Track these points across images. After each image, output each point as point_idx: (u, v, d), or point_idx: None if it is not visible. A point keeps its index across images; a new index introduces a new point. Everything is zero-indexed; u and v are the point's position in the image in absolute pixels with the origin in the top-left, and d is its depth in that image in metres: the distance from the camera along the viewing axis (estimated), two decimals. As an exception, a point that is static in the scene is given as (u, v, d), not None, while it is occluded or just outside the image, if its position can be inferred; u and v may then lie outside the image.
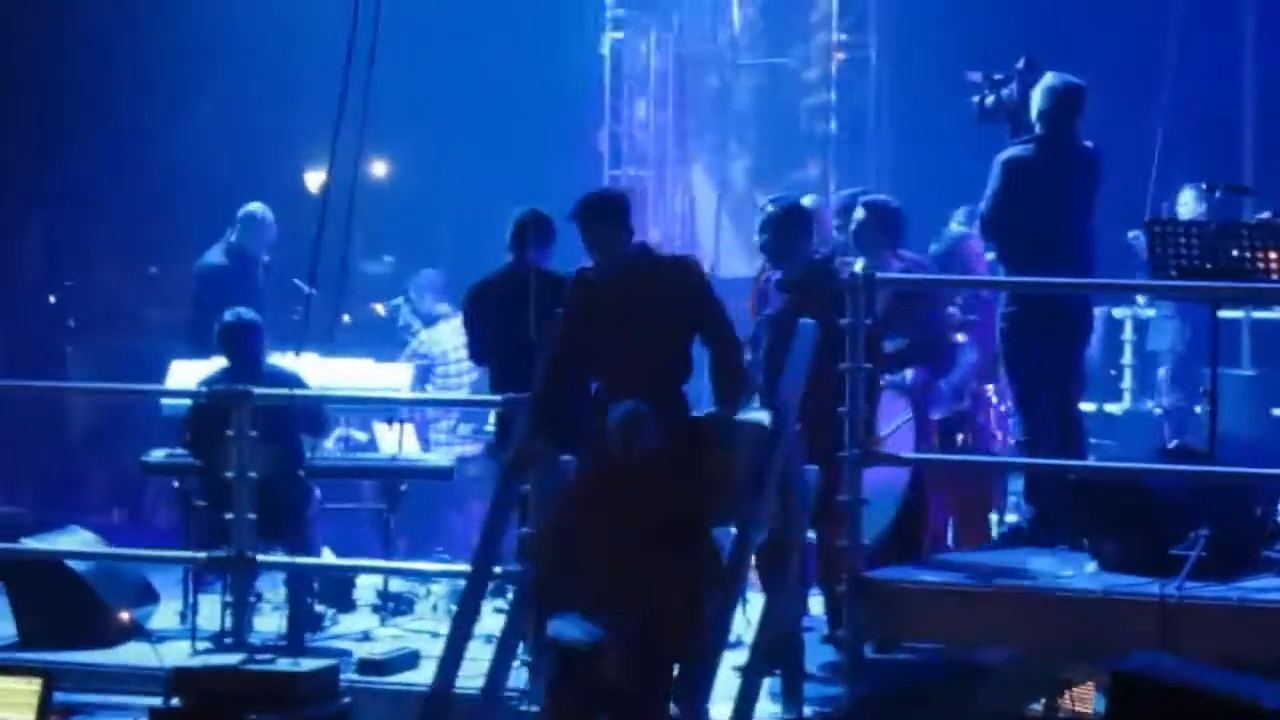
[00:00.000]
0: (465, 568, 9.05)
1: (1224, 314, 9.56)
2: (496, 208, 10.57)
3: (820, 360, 8.47)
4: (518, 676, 8.53)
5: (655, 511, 7.90)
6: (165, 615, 10.37)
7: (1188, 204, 12.27)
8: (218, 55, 14.41)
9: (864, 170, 14.75)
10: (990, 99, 9.91)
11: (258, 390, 9.57)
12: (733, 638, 8.48)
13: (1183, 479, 8.59)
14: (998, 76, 9.91)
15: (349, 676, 8.97)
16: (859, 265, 8.60)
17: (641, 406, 8.03)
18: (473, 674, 8.47)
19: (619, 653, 7.66)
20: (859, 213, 9.84)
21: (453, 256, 14.00)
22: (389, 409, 11.09)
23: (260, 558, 9.56)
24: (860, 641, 8.44)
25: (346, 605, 10.67)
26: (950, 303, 10.33)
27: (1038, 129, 9.53)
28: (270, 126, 14.76)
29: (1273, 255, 8.68)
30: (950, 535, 10.27)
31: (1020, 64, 9.84)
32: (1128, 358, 13.51)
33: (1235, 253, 8.72)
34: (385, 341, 13.13)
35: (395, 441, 10.98)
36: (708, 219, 15.65)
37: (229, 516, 9.46)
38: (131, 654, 9.71)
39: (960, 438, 10.36)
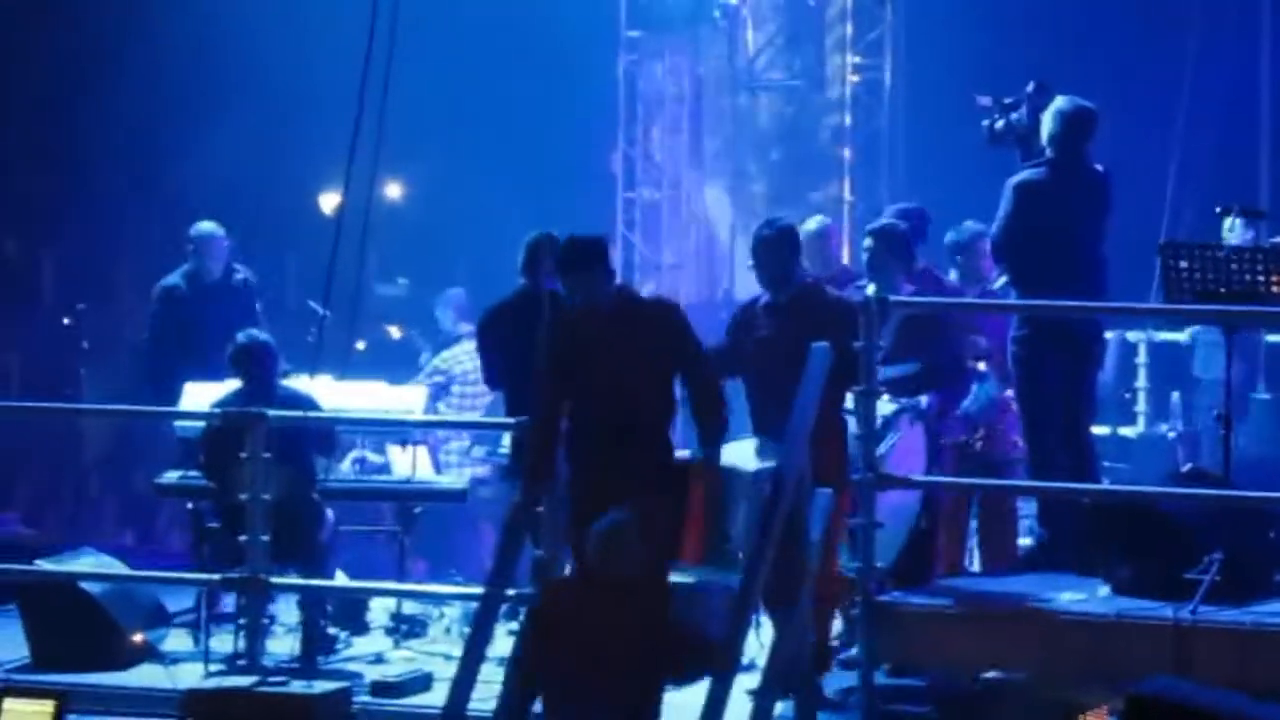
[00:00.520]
0: (478, 590, 9.05)
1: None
2: (511, 230, 10.58)
3: None
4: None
5: (628, 637, 7.65)
6: (178, 637, 10.38)
7: (1234, 230, 12.21)
8: (234, 79, 14.42)
9: (878, 192, 14.75)
10: (1000, 123, 9.89)
11: (272, 412, 9.59)
12: (745, 660, 8.47)
13: (1197, 502, 8.58)
14: (1007, 100, 9.88)
15: (362, 699, 9.00)
16: (870, 289, 8.59)
17: (625, 517, 7.85)
18: (485, 696, 8.45)
19: None
20: (868, 241, 9.83)
21: (467, 279, 13.98)
22: (403, 431, 11.11)
23: (274, 580, 9.57)
24: (873, 666, 8.41)
25: (360, 628, 10.68)
26: (975, 331, 10.21)
27: (1048, 152, 9.52)
28: (286, 149, 14.76)
29: (1288, 279, 8.69)
30: (971, 557, 10.22)
31: (1030, 88, 9.83)
32: (1142, 381, 13.46)
33: (1249, 277, 8.72)
34: (399, 364, 13.12)
35: (409, 464, 10.99)
36: (724, 241, 15.66)
37: (243, 538, 9.48)
38: (144, 676, 9.72)
39: (979, 443, 10.21)
